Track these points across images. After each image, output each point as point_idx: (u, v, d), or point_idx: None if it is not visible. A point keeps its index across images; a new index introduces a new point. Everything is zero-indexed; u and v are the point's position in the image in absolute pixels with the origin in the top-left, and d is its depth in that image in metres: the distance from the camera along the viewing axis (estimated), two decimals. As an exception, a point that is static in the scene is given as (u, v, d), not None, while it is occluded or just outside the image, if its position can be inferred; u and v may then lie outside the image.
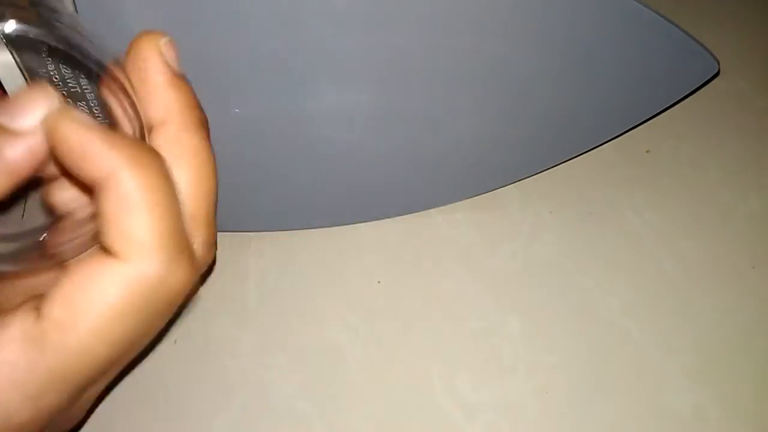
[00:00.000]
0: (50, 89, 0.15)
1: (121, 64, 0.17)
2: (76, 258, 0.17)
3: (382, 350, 0.26)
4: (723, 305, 0.28)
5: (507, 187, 0.31)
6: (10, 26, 0.14)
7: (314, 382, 0.26)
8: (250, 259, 0.29)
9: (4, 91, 0.23)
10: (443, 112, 0.26)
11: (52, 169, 0.18)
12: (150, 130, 0.17)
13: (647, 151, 0.33)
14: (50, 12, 0.16)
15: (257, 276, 0.28)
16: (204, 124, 0.18)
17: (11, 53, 0.21)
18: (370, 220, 0.30)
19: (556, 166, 0.31)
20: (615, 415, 0.25)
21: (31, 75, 0.22)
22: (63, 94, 0.22)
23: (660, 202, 0.31)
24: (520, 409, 0.25)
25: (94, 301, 0.14)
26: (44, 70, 0.22)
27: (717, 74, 0.27)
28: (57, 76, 0.22)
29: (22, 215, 0.19)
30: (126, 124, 0.17)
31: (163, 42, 0.17)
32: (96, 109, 0.23)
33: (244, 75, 0.23)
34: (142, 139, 0.17)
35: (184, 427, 0.24)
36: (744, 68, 0.37)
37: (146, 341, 0.17)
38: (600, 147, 0.30)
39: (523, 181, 0.31)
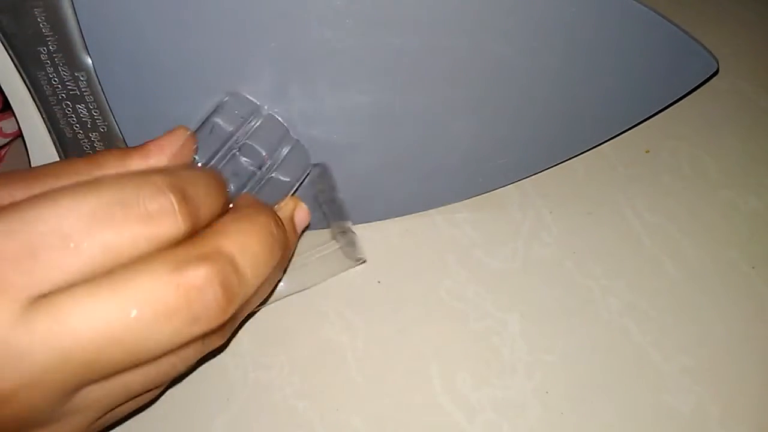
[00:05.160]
0: None
1: None
2: None
3: (382, 350, 0.26)
4: (723, 305, 0.28)
5: (507, 187, 0.31)
6: None
7: (314, 382, 0.26)
8: (250, 260, 0.29)
9: (4, 93, 0.23)
10: (443, 112, 0.26)
11: None
12: None
13: (647, 151, 0.33)
14: None
15: (257, 276, 0.28)
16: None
17: (9, 55, 0.21)
18: (370, 220, 0.30)
19: (556, 165, 0.31)
20: (615, 415, 0.25)
21: (29, 76, 0.22)
22: (62, 96, 0.23)
23: (660, 202, 0.31)
24: (520, 409, 0.25)
25: None
26: (43, 73, 0.22)
27: (716, 73, 0.27)
28: (56, 79, 0.22)
29: None
30: None
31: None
32: (95, 112, 0.23)
33: (244, 74, 0.23)
34: None
35: (184, 427, 0.24)
36: (744, 68, 0.37)
37: None
38: (600, 147, 0.30)
39: (523, 181, 0.31)
